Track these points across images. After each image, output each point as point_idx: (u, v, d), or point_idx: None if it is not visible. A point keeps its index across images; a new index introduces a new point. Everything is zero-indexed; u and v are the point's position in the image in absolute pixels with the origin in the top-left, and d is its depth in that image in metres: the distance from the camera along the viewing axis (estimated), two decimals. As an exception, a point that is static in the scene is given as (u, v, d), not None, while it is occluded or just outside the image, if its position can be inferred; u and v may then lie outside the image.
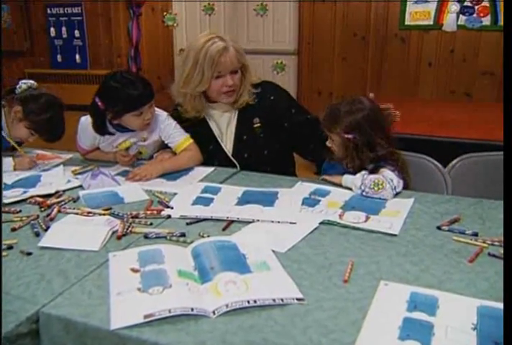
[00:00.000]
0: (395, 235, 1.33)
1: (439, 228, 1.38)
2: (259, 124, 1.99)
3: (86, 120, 2.00)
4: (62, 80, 6.27)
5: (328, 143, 1.73)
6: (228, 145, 2.03)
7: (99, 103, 1.86)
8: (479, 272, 1.14)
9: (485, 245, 1.27)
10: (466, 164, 2.01)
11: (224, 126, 2.03)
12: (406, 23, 4.78)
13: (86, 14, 6.09)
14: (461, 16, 4.57)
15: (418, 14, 4.71)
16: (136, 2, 5.75)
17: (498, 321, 0.95)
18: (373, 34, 4.96)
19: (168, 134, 1.99)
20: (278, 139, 2.03)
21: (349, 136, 1.64)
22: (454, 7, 4.54)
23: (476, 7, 4.50)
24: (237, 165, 2.00)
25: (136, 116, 1.86)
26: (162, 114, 2.02)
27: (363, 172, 1.64)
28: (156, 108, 1.97)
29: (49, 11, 6.24)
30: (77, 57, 6.28)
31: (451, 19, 4.58)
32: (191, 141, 1.99)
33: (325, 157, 1.81)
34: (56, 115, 1.97)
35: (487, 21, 4.51)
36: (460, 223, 1.41)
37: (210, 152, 2.02)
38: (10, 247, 1.28)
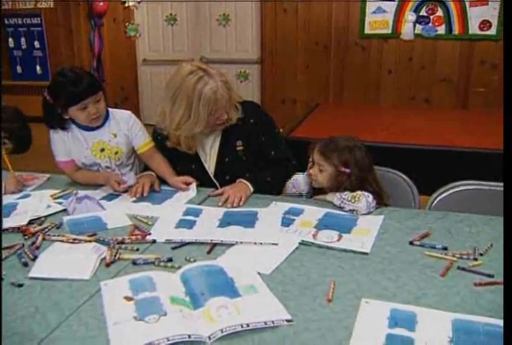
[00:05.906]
0: (366, 253, 1.41)
1: (411, 243, 1.47)
2: (242, 147, 2.00)
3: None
4: (24, 91, 6.15)
5: (312, 170, 1.80)
6: (211, 166, 2.04)
7: (48, 97, 1.91)
8: (451, 287, 1.23)
9: (454, 259, 1.37)
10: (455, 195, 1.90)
11: (208, 146, 2.03)
12: (366, 32, 4.93)
13: (46, 25, 6.01)
14: (417, 25, 4.75)
15: (377, 23, 4.87)
16: (98, 12, 5.72)
17: (471, 334, 1.04)
18: (334, 42, 5.09)
19: (134, 133, 2.06)
20: (260, 164, 2.04)
21: (346, 170, 1.72)
22: (411, 17, 4.72)
23: (431, 17, 4.69)
24: (218, 187, 1.99)
25: (80, 109, 1.89)
26: (125, 112, 2.09)
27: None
28: (116, 110, 2.07)
29: (6, 22, 6.13)
30: (37, 68, 6.20)
31: (408, 28, 4.76)
32: (153, 144, 2.07)
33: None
34: (25, 123, 2.07)
35: (441, 30, 4.70)
36: (430, 238, 1.51)
37: (192, 172, 2.02)
38: (-1, 279, 1.28)
